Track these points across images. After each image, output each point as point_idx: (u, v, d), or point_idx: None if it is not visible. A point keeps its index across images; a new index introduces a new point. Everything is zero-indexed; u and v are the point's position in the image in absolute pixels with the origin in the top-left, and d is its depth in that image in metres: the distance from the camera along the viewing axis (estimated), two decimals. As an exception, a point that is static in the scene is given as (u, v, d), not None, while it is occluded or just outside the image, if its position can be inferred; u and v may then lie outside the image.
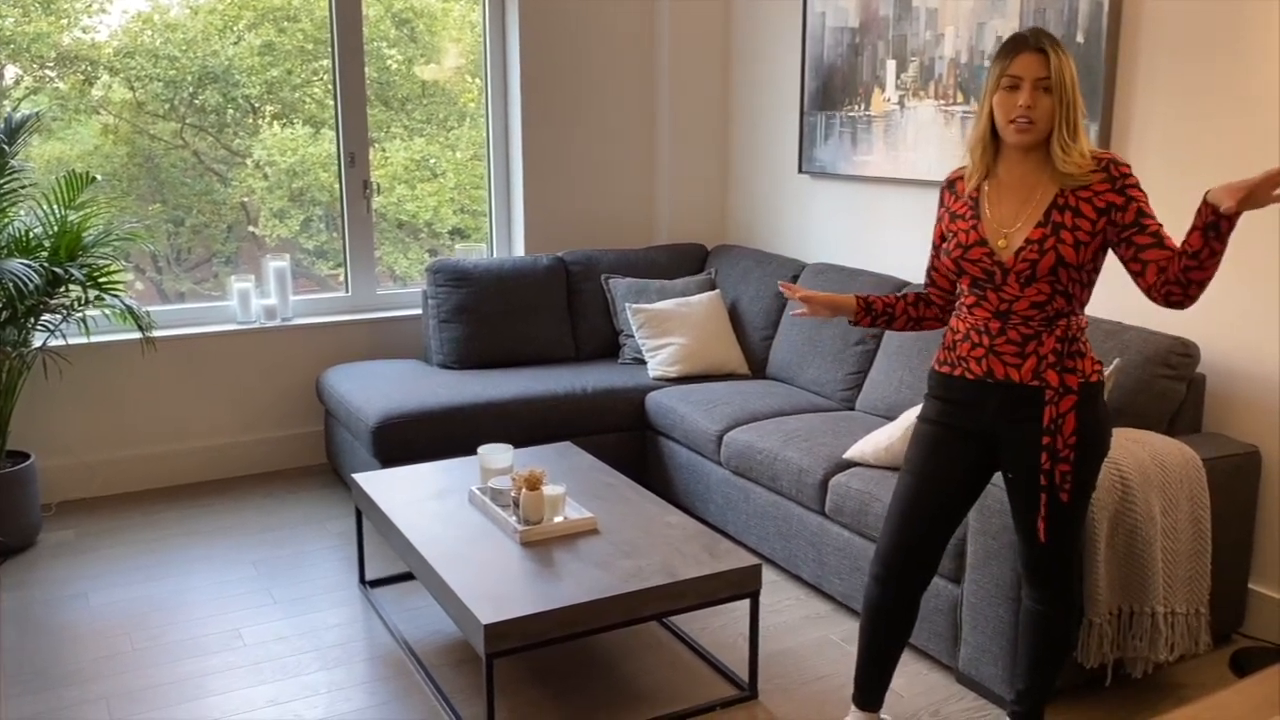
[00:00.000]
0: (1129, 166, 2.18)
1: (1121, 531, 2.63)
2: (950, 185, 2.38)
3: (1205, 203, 2.00)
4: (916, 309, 2.51)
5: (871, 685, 2.51)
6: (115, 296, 3.78)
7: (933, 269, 2.48)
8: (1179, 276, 2.09)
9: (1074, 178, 2.16)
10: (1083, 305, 2.25)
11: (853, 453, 3.26)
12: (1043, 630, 2.41)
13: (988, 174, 2.28)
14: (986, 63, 3.67)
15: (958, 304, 2.36)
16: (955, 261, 2.28)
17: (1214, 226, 2.00)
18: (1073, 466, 2.21)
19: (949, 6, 3.80)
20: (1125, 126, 3.29)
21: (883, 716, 2.56)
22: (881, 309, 2.51)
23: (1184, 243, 2.06)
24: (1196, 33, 3.06)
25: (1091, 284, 2.24)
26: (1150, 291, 2.16)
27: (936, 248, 2.43)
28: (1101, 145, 3.32)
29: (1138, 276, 2.16)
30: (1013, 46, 2.17)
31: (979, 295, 2.27)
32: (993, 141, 2.26)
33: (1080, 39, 3.35)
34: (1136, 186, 2.16)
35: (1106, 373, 2.85)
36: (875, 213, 4.28)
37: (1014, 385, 2.24)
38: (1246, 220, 2.98)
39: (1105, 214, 2.16)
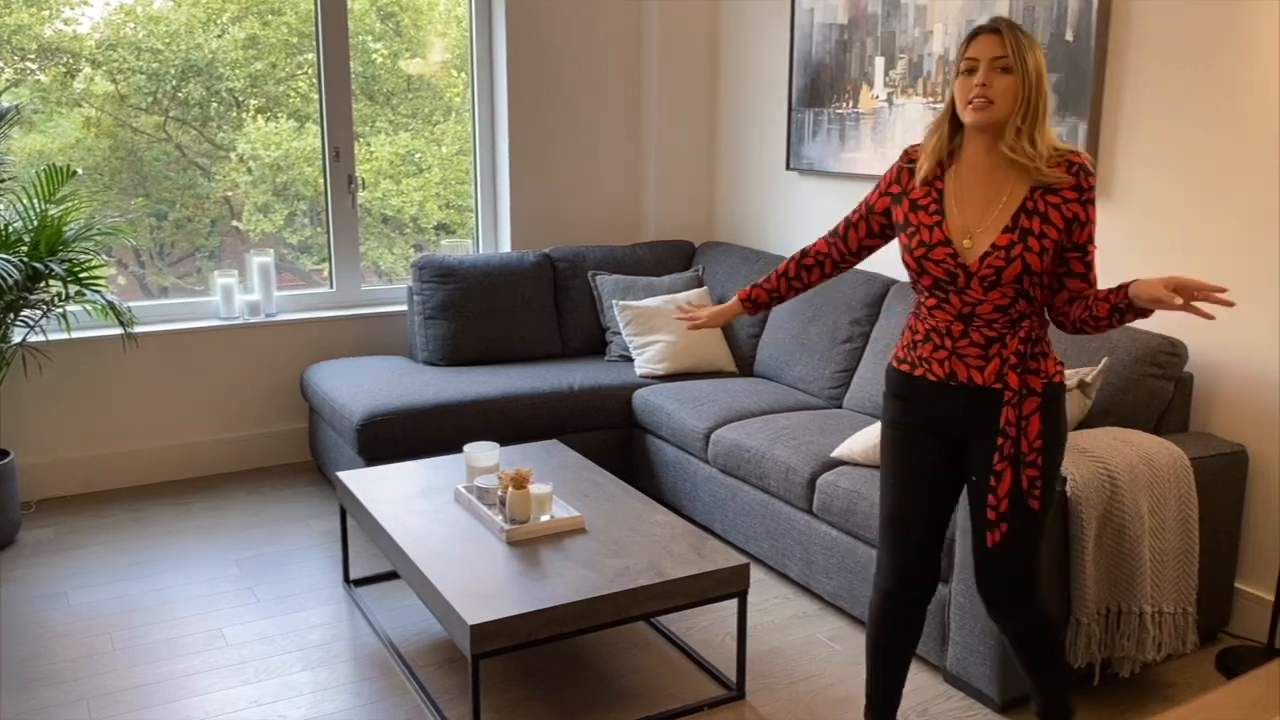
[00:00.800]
0: (1095, 178, 2.15)
1: (1109, 531, 2.63)
2: (908, 162, 2.29)
3: (1125, 288, 2.05)
4: (800, 280, 2.50)
5: (883, 699, 2.46)
6: (96, 292, 3.74)
7: (851, 225, 2.40)
8: (1076, 319, 2.16)
9: (1037, 174, 2.10)
10: (1043, 306, 2.21)
11: (840, 451, 3.25)
12: (1030, 649, 2.32)
13: (943, 159, 2.21)
14: (975, 60, 3.66)
15: (916, 302, 2.30)
16: (917, 261, 2.20)
17: (1122, 311, 2.07)
18: (1040, 471, 2.17)
19: (937, 3, 3.79)
20: (1114, 124, 3.29)
21: None
22: (767, 299, 2.54)
23: (1093, 303, 2.11)
24: (1185, 31, 3.06)
25: (1051, 286, 2.19)
26: (1048, 309, 2.21)
27: (869, 210, 2.36)
28: (1090, 144, 3.32)
29: (1052, 292, 2.18)
30: (972, 33, 2.15)
31: (940, 297, 2.21)
32: (952, 129, 2.20)
33: (1069, 37, 3.34)
34: (1094, 203, 2.15)
35: (1094, 372, 2.85)
36: (863, 210, 4.26)
37: (977, 388, 2.20)
38: (1236, 223, 2.99)
39: (1069, 224, 2.12)
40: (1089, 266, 2.16)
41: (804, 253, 2.49)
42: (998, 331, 2.17)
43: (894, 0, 3.96)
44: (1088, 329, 2.16)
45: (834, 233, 2.45)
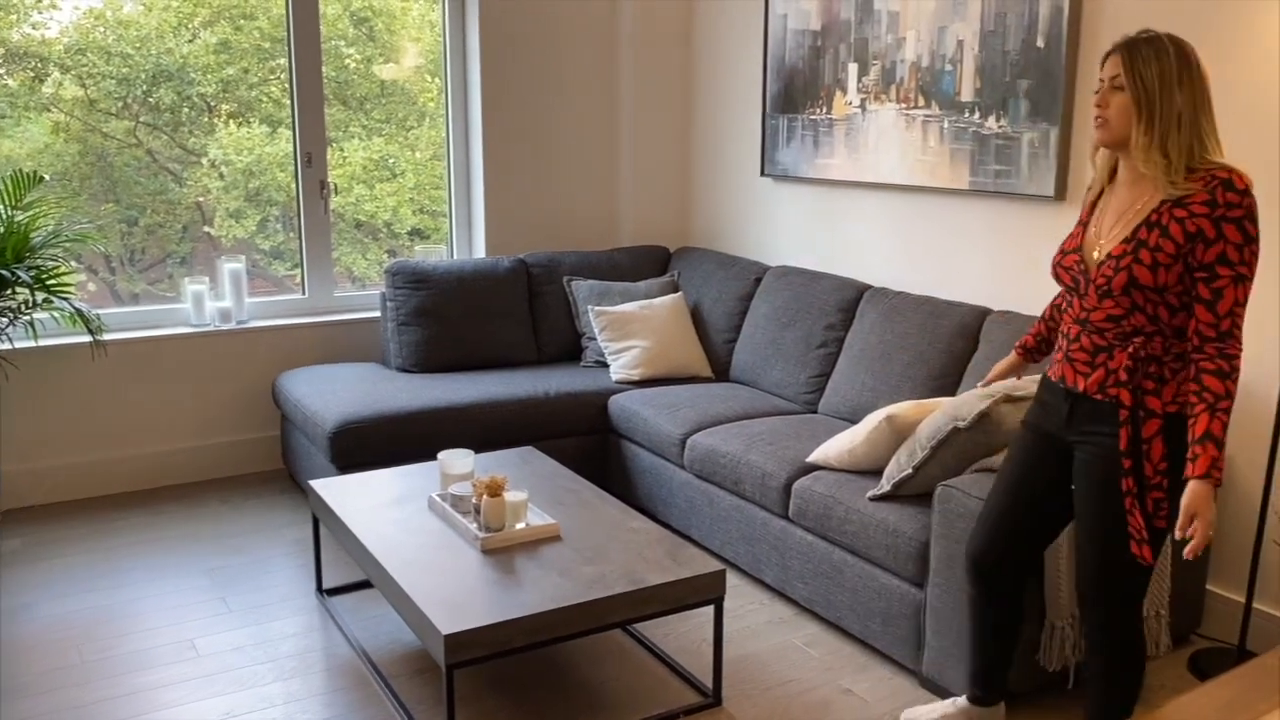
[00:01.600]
0: (1242, 195, 2.01)
1: (1083, 535, 2.64)
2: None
3: (1194, 461, 2.02)
4: (1055, 321, 2.57)
5: (982, 680, 2.54)
6: (64, 299, 3.69)
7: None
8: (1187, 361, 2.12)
9: (1169, 186, 2.06)
10: (1175, 329, 2.11)
11: (816, 456, 3.25)
12: (1109, 651, 2.28)
13: (1105, 182, 2.27)
14: (948, 66, 3.68)
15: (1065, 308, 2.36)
16: (1054, 265, 2.30)
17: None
18: (1166, 494, 2.12)
19: (910, 10, 3.81)
20: (1085, 130, 3.31)
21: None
22: (1035, 344, 2.62)
23: (1194, 380, 2.06)
24: (1155, 38, 3.08)
25: (1186, 307, 2.09)
26: (1190, 337, 2.10)
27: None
28: (1061, 149, 3.35)
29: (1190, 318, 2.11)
30: (1107, 54, 2.17)
31: (1069, 300, 2.28)
32: (1110, 152, 2.24)
33: (1040, 43, 3.36)
34: (1239, 224, 2.01)
35: (1023, 388, 2.86)
36: (837, 216, 4.28)
37: (1080, 395, 2.21)
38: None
39: (1193, 239, 2.03)
40: (1216, 295, 2.02)
41: (1057, 295, 2.57)
42: (1108, 341, 2.17)
43: (867, 7, 3.98)
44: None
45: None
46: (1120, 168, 2.23)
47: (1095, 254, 2.19)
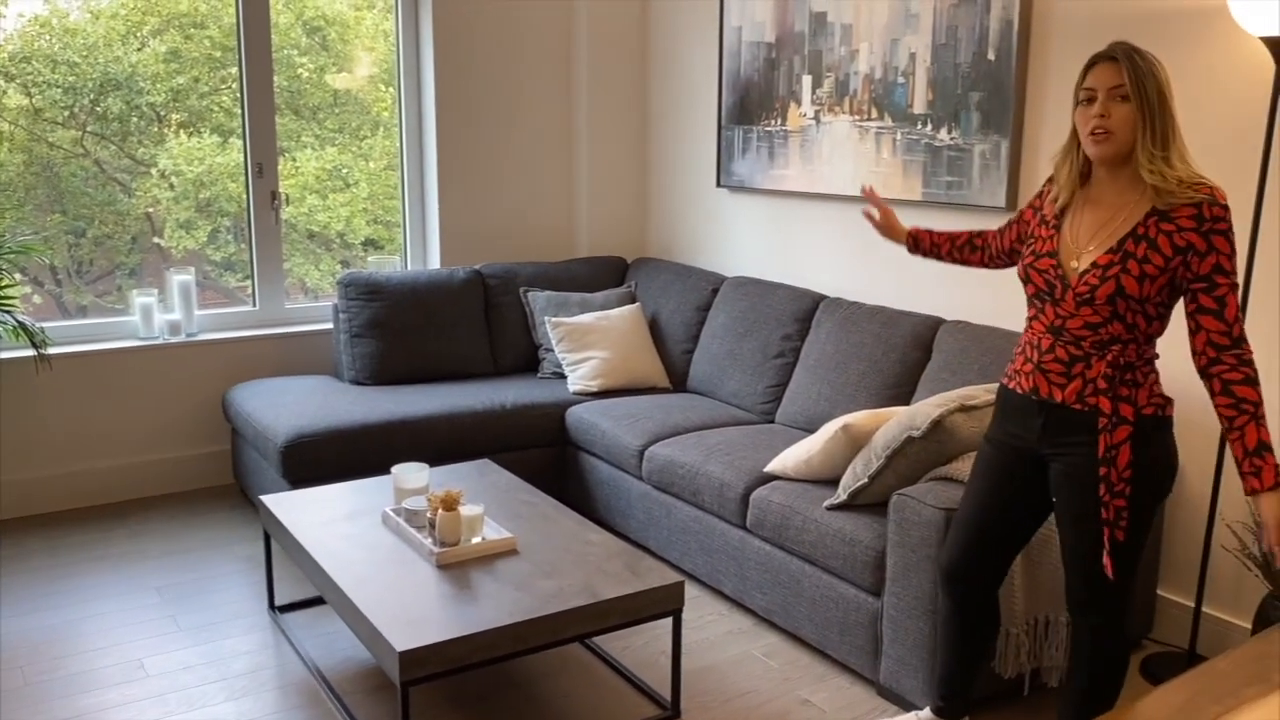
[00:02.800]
0: (1225, 209, 2.05)
1: (1036, 542, 2.66)
2: (1051, 181, 2.32)
3: (1257, 477, 2.04)
4: (960, 252, 2.60)
5: (947, 688, 2.55)
6: (6, 312, 3.61)
7: (1003, 230, 2.50)
8: (1203, 373, 2.11)
9: (1167, 194, 2.05)
10: (1148, 336, 2.15)
11: (773, 466, 3.25)
12: (1089, 660, 2.30)
13: (1074, 193, 2.23)
14: (900, 79, 3.72)
15: (1027, 316, 2.33)
16: (1025, 268, 2.27)
17: (1243, 469, 2.07)
18: (1128, 502, 2.13)
19: (863, 23, 3.84)
20: (1035, 142, 3.36)
21: None
22: (929, 247, 2.65)
23: (1226, 406, 2.08)
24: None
25: (1161, 316, 2.14)
26: (1195, 356, 2.11)
27: (1018, 215, 2.44)
28: (1012, 161, 3.39)
29: (1190, 333, 2.11)
30: (1090, 62, 2.14)
31: (1038, 307, 2.24)
32: (1079, 159, 2.21)
33: (991, 56, 3.41)
34: (1225, 235, 2.05)
35: (980, 400, 2.89)
36: (793, 226, 4.30)
37: (1057, 406, 2.19)
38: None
39: (1182, 253, 2.06)
40: (1221, 303, 2.06)
41: (976, 233, 2.59)
42: (1084, 350, 2.16)
43: (820, 19, 4.01)
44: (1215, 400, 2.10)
45: (997, 230, 2.54)
46: (1098, 179, 2.19)
47: (1075, 263, 2.17)
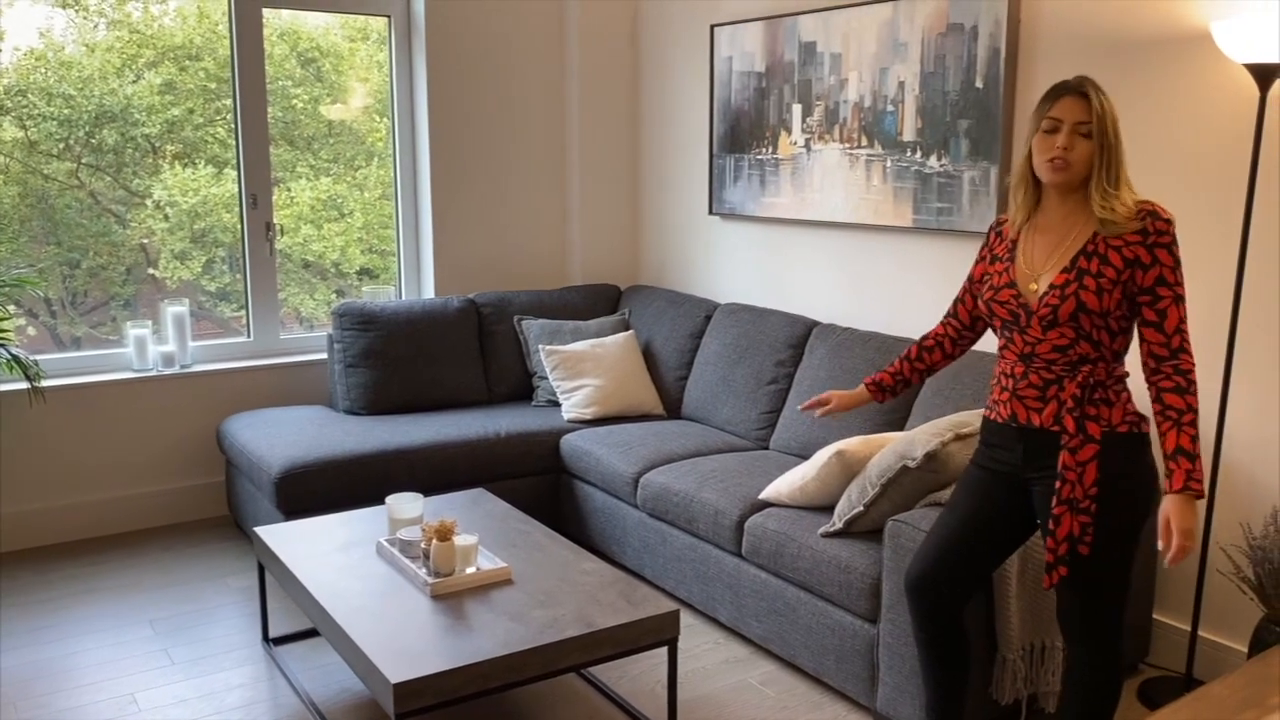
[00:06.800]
0: (1169, 224, 2.15)
1: (1031, 568, 2.66)
2: (997, 227, 2.40)
3: (1173, 471, 2.11)
4: (923, 362, 2.59)
5: (936, 715, 2.51)
6: (1, 345, 3.61)
7: (959, 301, 2.53)
8: (1148, 383, 2.18)
9: (1112, 224, 2.14)
10: (1114, 353, 2.21)
11: (768, 493, 3.26)
12: (1079, 685, 2.30)
13: (1029, 216, 2.29)
14: (890, 107, 3.75)
15: (998, 347, 2.37)
16: (987, 304, 2.32)
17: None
18: (1093, 519, 2.16)
19: (852, 52, 3.88)
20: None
21: None
22: (894, 383, 2.62)
23: (1157, 400, 2.15)
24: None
25: (1124, 331, 2.21)
26: (1142, 367, 2.19)
27: (970, 282, 2.46)
28: (1001, 185, 3.41)
29: (1139, 345, 2.19)
30: (1056, 92, 2.19)
31: (1007, 338, 2.29)
32: (1033, 183, 2.27)
33: (979, 84, 3.44)
34: (1169, 248, 2.13)
35: (970, 430, 2.89)
36: (785, 253, 4.32)
37: (1036, 430, 2.24)
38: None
39: (1131, 266, 2.14)
40: (1161, 316, 2.14)
41: (925, 336, 2.60)
42: (1056, 374, 2.21)
43: (809, 49, 4.05)
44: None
45: (947, 314, 2.56)
46: (1048, 204, 2.27)
47: (1034, 286, 2.23)
